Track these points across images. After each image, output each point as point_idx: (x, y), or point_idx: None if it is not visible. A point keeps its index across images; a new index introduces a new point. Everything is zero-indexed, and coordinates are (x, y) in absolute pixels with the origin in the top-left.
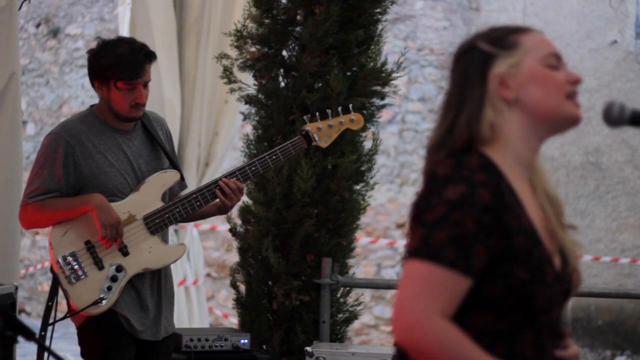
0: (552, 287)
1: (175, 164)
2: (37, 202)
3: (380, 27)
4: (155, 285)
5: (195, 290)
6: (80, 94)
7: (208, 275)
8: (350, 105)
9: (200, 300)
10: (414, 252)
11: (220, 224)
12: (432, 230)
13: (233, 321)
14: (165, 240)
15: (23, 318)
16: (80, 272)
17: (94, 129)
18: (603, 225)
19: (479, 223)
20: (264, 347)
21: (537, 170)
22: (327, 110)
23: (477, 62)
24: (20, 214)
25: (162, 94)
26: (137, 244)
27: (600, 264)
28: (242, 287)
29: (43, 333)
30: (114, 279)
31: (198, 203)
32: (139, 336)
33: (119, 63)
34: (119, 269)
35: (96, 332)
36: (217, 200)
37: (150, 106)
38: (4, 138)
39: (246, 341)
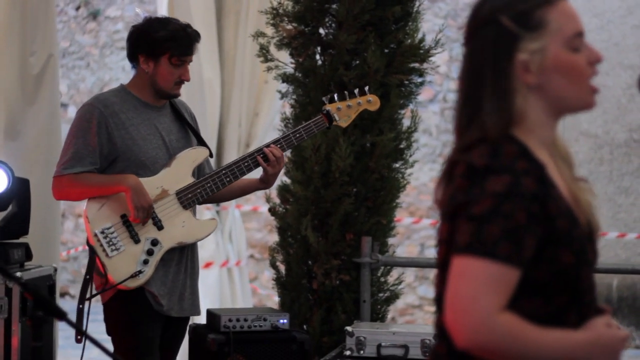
0: (593, 265)
1: (204, 142)
2: (71, 175)
3: (417, 3)
4: (184, 262)
5: (237, 272)
6: (120, 76)
7: (251, 256)
8: (367, 88)
9: (243, 282)
10: (465, 248)
11: (262, 205)
12: (483, 225)
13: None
14: (195, 215)
15: (67, 300)
16: (117, 246)
17: (126, 103)
18: None
19: (528, 213)
20: (305, 327)
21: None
22: (345, 92)
23: (502, 43)
24: (53, 184)
25: (202, 75)
26: (171, 218)
27: None
28: (282, 267)
29: (81, 306)
30: (149, 252)
31: (228, 179)
32: (167, 313)
33: (174, 38)
34: (154, 242)
35: (123, 308)
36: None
37: (190, 87)
38: (43, 120)
39: (285, 321)
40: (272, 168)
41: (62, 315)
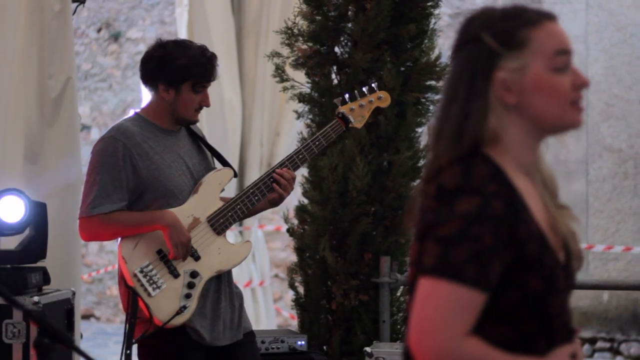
0: (564, 291)
1: (226, 161)
2: (102, 215)
3: (433, 20)
4: (223, 288)
5: (261, 292)
6: (143, 98)
7: (276, 276)
8: (375, 84)
9: (266, 302)
10: (432, 270)
11: (284, 225)
12: (450, 247)
13: None
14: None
15: (91, 323)
16: (158, 283)
17: (146, 132)
18: None
19: (496, 237)
20: (324, 347)
21: (536, 161)
22: (355, 92)
23: (482, 60)
24: (81, 226)
25: (223, 95)
26: (206, 246)
27: None
28: (301, 288)
29: (128, 352)
30: (190, 285)
31: (256, 197)
32: (213, 344)
33: (197, 64)
34: (194, 274)
35: (161, 346)
36: (270, 193)
37: (211, 108)
38: (62, 143)
39: (303, 343)
40: (285, 192)
41: (69, 342)
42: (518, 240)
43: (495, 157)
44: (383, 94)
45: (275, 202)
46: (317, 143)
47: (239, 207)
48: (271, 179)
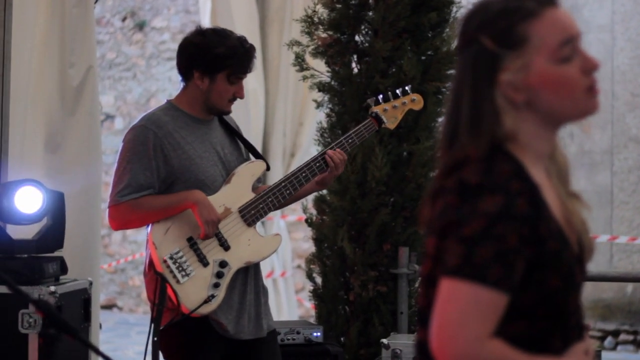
0: (580, 288)
1: (259, 154)
2: (131, 201)
3: (454, 9)
4: (250, 281)
5: (283, 283)
6: (167, 87)
7: (298, 267)
8: (409, 87)
9: (288, 293)
10: (454, 271)
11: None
12: (474, 247)
13: None
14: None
15: (114, 313)
16: (187, 271)
17: (178, 121)
18: None
19: (519, 236)
20: (342, 339)
21: (552, 150)
22: (389, 93)
23: (482, 64)
24: (110, 214)
25: (246, 85)
26: (236, 237)
27: None
28: (319, 279)
29: (156, 339)
30: (219, 275)
31: (288, 191)
32: (237, 337)
33: (235, 55)
34: (223, 264)
35: (183, 335)
36: (320, 172)
37: None
38: (83, 132)
39: (319, 334)
40: (336, 170)
41: (75, 333)
42: (539, 238)
43: (515, 152)
44: (416, 97)
45: (326, 182)
46: (349, 141)
47: (270, 199)
48: (304, 173)
